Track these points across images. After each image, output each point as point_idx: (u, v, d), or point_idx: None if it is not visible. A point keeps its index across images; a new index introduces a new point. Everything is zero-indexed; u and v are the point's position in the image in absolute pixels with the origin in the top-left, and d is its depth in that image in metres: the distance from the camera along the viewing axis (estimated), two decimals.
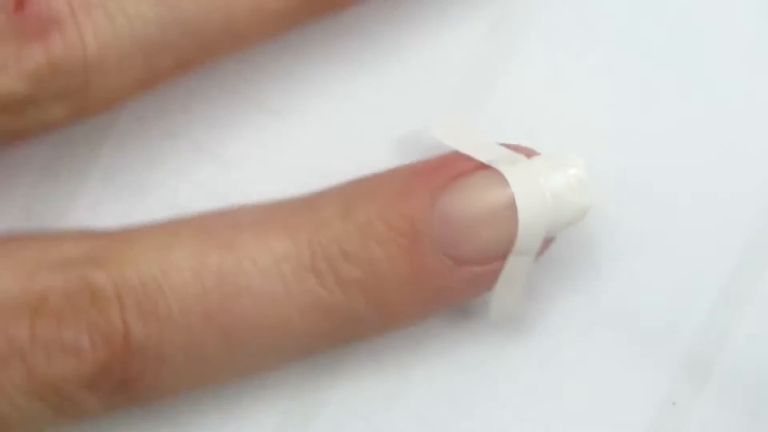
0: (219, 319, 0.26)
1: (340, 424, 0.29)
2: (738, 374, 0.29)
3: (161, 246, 0.26)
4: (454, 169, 0.27)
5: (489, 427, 0.29)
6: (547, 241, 0.27)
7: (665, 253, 0.29)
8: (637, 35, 0.29)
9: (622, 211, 0.29)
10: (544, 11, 0.29)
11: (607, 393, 0.29)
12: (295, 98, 0.29)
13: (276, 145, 0.29)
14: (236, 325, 0.26)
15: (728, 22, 0.29)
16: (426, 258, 0.27)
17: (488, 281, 0.27)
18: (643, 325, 0.29)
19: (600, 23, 0.29)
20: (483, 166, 0.27)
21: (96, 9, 0.25)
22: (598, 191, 0.27)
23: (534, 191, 0.26)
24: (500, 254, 0.27)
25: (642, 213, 0.29)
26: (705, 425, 0.29)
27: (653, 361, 0.29)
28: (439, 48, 0.29)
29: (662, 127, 0.29)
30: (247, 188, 0.29)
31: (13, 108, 0.25)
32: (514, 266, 0.27)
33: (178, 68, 0.27)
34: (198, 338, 0.26)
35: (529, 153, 0.27)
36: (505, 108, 0.29)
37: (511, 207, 0.26)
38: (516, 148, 0.28)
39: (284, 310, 0.27)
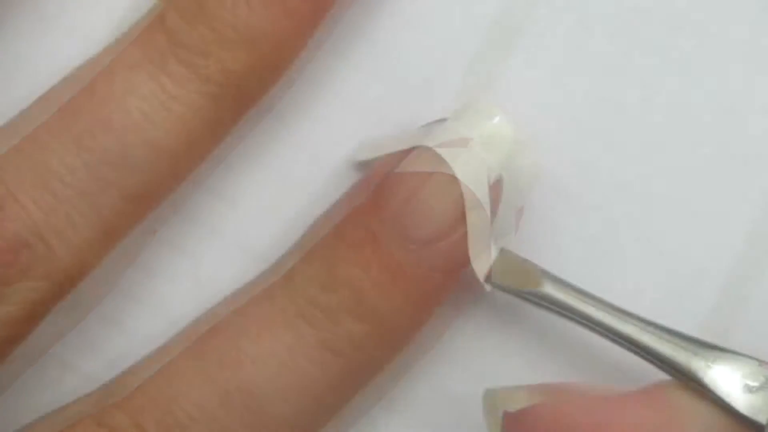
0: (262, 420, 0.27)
1: (341, 421, 0.29)
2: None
3: (173, 394, 0.27)
4: (382, 171, 0.27)
5: None
6: (519, 211, 0.28)
7: (665, 254, 0.29)
8: (636, 35, 0.29)
9: (621, 210, 0.29)
10: (542, 11, 0.29)
11: None
12: (295, 98, 0.29)
13: (276, 144, 0.29)
14: (279, 422, 0.27)
15: (728, 21, 0.29)
16: (395, 259, 0.27)
17: (462, 251, 0.27)
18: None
19: (600, 23, 0.29)
20: (405, 153, 0.27)
21: (27, 182, 0.26)
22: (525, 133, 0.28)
23: (459, 145, 0.27)
24: (459, 217, 0.27)
25: (641, 213, 0.29)
26: None
27: None
28: (438, 48, 0.30)
29: (662, 126, 0.29)
30: (247, 188, 0.29)
31: None
32: (476, 224, 0.27)
33: (132, 203, 0.27)
34: None
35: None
36: (504, 108, 0.29)
37: (446, 169, 0.27)
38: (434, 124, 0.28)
39: (314, 390, 0.27)
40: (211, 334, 0.27)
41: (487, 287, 0.28)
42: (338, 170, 0.30)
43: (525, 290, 0.27)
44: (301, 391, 0.27)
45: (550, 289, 0.27)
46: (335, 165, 0.30)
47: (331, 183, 0.29)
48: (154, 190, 0.27)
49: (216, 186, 0.29)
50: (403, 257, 0.27)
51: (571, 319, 0.27)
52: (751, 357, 0.26)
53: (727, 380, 0.26)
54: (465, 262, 0.27)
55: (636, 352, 0.27)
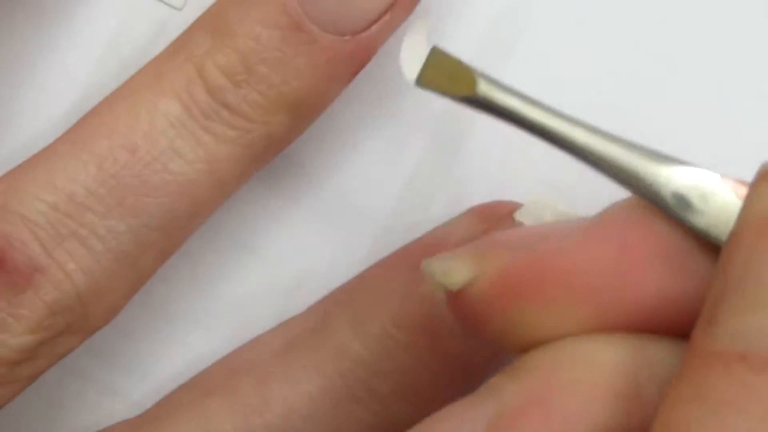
0: None
1: None
2: None
3: None
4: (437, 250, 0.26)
5: None
6: None
7: None
8: (637, 35, 0.29)
9: None
10: (542, 11, 0.29)
11: None
12: None
13: None
14: None
15: (728, 21, 0.29)
16: (449, 348, 0.27)
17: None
18: None
19: (599, 23, 0.29)
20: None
21: (68, 240, 0.25)
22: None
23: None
24: None
25: None
26: None
27: None
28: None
29: (661, 126, 0.29)
30: (246, 188, 0.29)
31: (27, 356, 0.26)
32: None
33: (161, 259, 0.27)
34: None
35: (510, 209, 0.27)
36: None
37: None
38: (492, 210, 0.28)
39: None
40: (262, 410, 0.27)
41: (414, 85, 0.25)
42: (333, 170, 0.30)
43: (458, 95, 0.25)
44: None
45: (485, 92, 0.24)
46: (330, 163, 0.30)
47: (329, 181, 0.30)
48: (186, 238, 0.27)
49: None
50: (461, 349, 0.27)
51: (517, 126, 0.25)
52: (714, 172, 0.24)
53: (687, 195, 0.23)
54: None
55: (586, 162, 0.24)
